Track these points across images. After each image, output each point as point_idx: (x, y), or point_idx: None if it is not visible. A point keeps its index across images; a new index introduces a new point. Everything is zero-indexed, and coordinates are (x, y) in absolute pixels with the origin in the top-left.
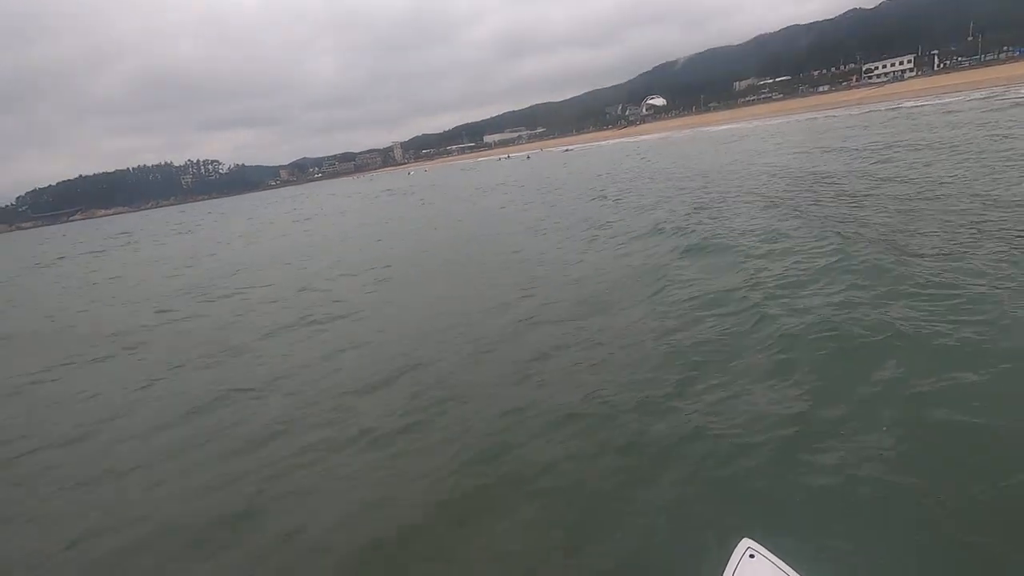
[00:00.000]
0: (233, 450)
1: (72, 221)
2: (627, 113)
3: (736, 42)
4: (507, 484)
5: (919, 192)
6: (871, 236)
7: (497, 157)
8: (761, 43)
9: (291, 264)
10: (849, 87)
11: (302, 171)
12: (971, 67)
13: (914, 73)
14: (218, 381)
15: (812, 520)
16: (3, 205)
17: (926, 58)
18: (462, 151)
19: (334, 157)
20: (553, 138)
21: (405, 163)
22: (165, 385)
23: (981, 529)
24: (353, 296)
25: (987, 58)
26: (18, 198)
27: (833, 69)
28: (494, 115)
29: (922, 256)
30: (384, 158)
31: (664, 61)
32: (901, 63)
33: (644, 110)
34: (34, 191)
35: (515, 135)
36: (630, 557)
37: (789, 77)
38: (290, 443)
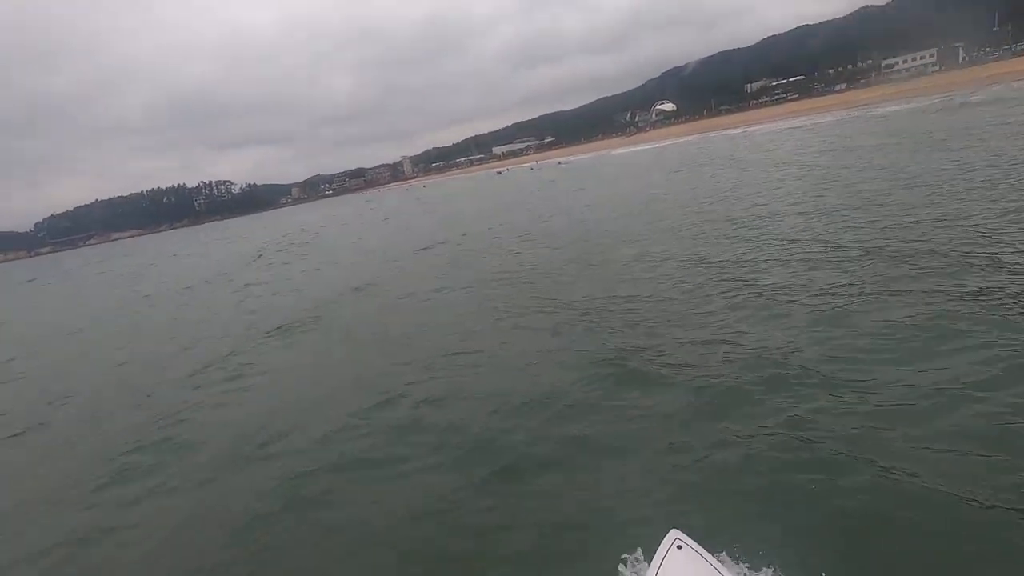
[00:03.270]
0: None
1: (88, 245)
2: (636, 119)
3: (746, 44)
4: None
5: None
6: None
7: (497, 170)
8: (771, 44)
9: None
10: (869, 84)
11: (314, 188)
12: (1000, 59)
13: (937, 67)
14: None
15: (735, 512)
16: (23, 231)
17: (950, 51)
18: (470, 163)
19: (345, 173)
20: (561, 147)
21: (415, 177)
22: None
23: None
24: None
25: (1020, 47)
26: (36, 224)
27: (849, 66)
28: (504, 126)
29: None
30: (394, 173)
31: (673, 66)
32: (923, 57)
33: (654, 116)
34: (51, 217)
35: (523, 145)
36: (560, 544)
37: (803, 77)
38: None
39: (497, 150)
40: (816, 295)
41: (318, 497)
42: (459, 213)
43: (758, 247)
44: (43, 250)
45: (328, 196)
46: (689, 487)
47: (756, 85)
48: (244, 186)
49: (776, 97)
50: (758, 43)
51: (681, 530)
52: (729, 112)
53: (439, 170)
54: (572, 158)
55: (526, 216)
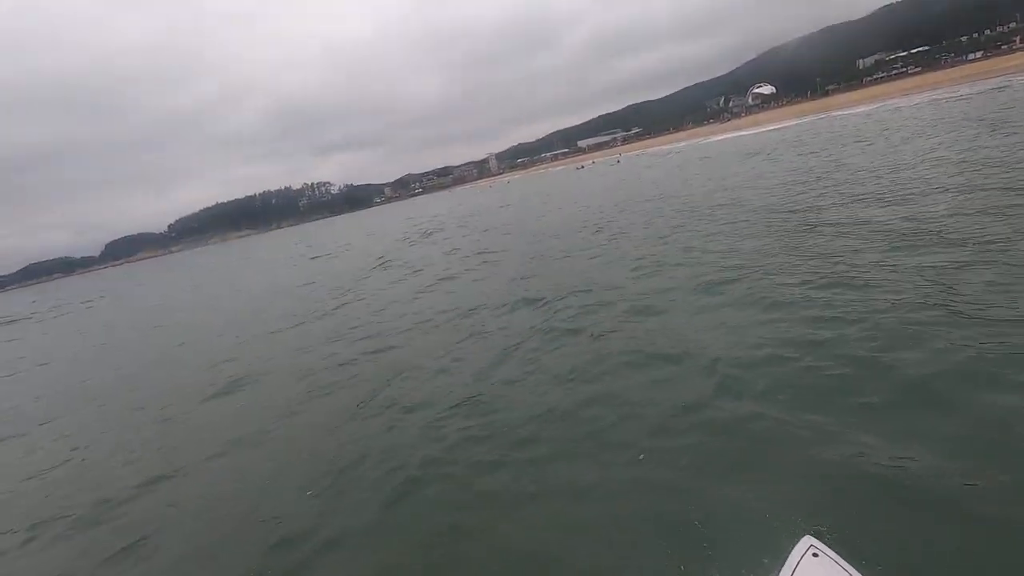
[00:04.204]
0: None
1: (211, 244)
2: (731, 105)
3: (857, 16)
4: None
5: None
6: None
7: (578, 165)
8: (887, 15)
9: None
10: (1012, 50)
11: (404, 187)
12: None
13: None
14: None
15: (877, 520)
16: (159, 232)
17: None
18: (555, 158)
19: (433, 172)
20: (648, 138)
21: (500, 173)
22: None
23: None
24: None
25: None
26: (169, 226)
27: (987, 31)
28: (589, 119)
29: None
30: (480, 170)
31: (772, 46)
32: None
33: (750, 100)
34: (180, 219)
35: (609, 138)
36: (688, 551)
37: (927, 47)
38: None
39: (582, 143)
40: None
41: None
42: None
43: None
44: (174, 248)
45: (418, 194)
46: (822, 490)
47: (869, 60)
48: (342, 187)
49: (894, 72)
50: (871, 14)
51: (816, 537)
52: (837, 92)
53: (523, 166)
54: (663, 148)
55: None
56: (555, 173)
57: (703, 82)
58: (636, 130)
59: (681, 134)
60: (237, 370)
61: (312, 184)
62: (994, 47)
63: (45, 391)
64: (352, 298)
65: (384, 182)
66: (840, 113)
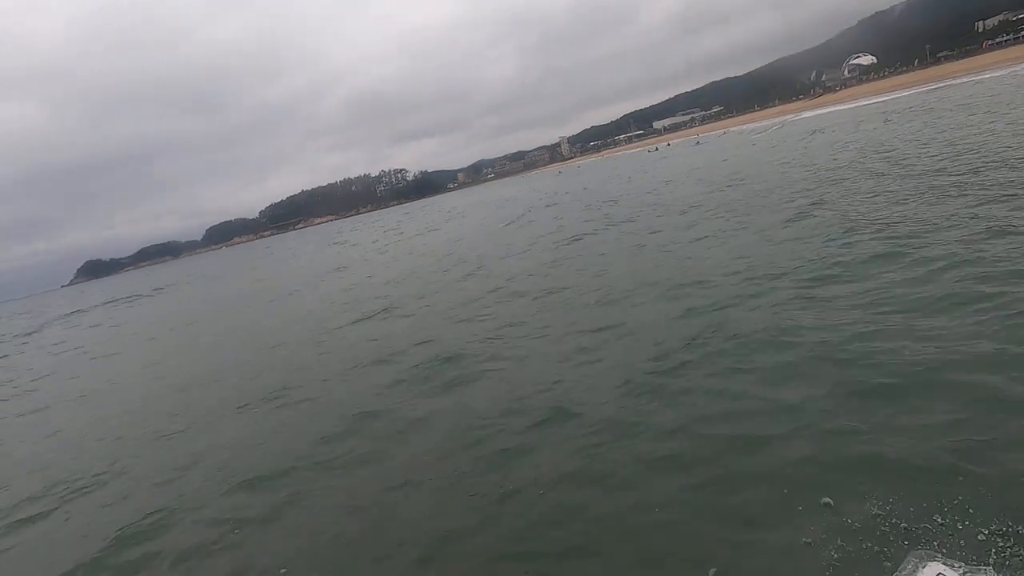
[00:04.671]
0: None
1: (297, 229)
2: (823, 79)
3: None
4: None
5: None
6: None
7: (650, 147)
8: None
9: None
10: None
11: (477, 173)
12: None
13: None
14: None
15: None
16: (251, 218)
17: None
18: (628, 140)
19: (506, 157)
20: (731, 117)
21: (572, 158)
22: None
23: None
24: None
25: None
26: (260, 212)
27: None
28: (666, 99)
29: None
30: (552, 154)
31: (873, 12)
32: None
33: (846, 72)
34: (270, 206)
35: (687, 118)
36: (799, 559)
37: None
38: None
39: (658, 124)
40: None
41: None
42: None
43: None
44: (265, 233)
45: (490, 179)
46: (934, 504)
47: (992, 22)
48: (417, 173)
49: (1023, 34)
50: None
51: (926, 551)
52: (951, 59)
53: (596, 149)
54: (747, 126)
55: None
56: (627, 156)
57: (792, 55)
58: (717, 109)
59: (768, 111)
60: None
61: (389, 171)
62: None
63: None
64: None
65: (457, 168)
66: (964, 80)
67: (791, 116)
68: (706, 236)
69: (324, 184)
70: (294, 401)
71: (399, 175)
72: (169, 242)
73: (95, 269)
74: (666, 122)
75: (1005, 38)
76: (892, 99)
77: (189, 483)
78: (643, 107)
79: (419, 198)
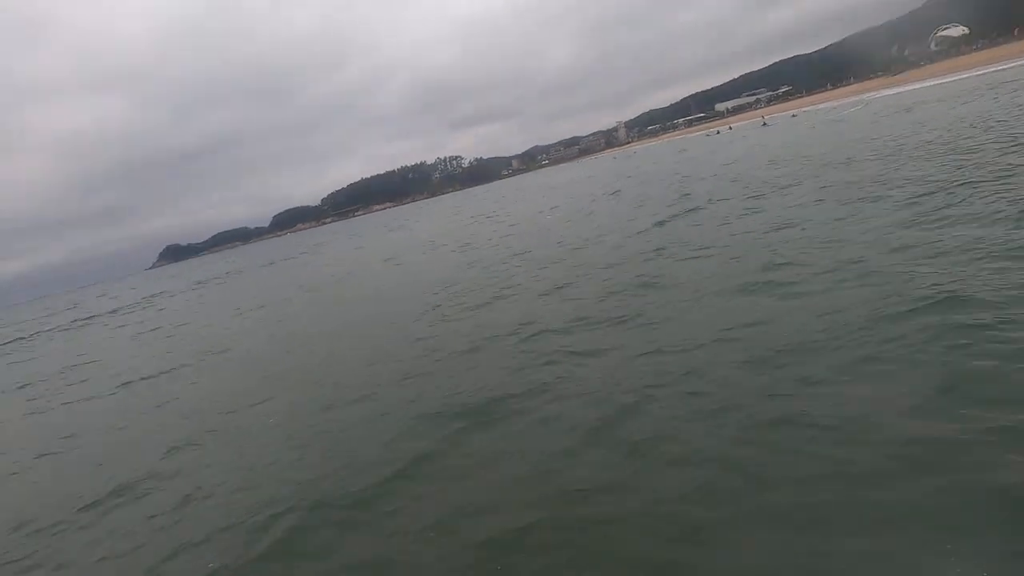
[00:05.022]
0: None
1: (356, 216)
2: (906, 53)
3: None
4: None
5: None
6: None
7: (709, 131)
8: None
9: None
10: None
11: (532, 159)
12: None
13: None
14: None
15: None
16: (314, 205)
17: None
18: (689, 124)
19: (560, 143)
20: (799, 97)
21: (628, 142)
22: None
23: None
24: None
25: None
26: (323, 199)
27: None
28: (729, 79)
29: None
30: (608, 139)
31: None
32: None
33: (933, 45)
34: (333, 193)
35: (752, 99)
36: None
37: None
38: None
39: (720, 107)
40: None
41: None
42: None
43: None
44: (326, 220)
45: (545, 166)
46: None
47: None
48: (472, 160)
49: None
50: None
51: None
52: None
53: (654, 134)
54: (821, 106)
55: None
56: (686, 140)
57: (868, 29)
58: (784, 89)
59: (842, 90)
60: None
61: (444, 158)
62: None
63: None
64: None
65: (512, 154)
66: None
67: (871, 94)
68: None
69: (382, 172)
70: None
71: (454, 162)
72: (240, 228)
73: (175, 253)
74: (729, 104)
75: None
76: (991, 72)
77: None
78: (705, 89)
79: (473, 185)
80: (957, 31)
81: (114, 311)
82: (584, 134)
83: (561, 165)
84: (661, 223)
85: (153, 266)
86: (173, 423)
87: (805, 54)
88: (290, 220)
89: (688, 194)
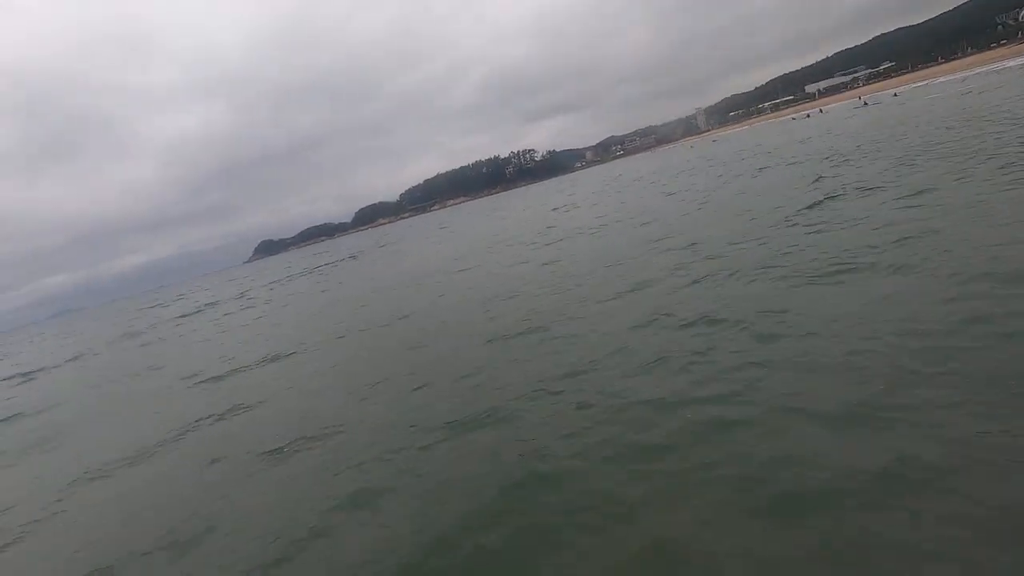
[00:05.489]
0: None
1: (432, 211)
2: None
3: None
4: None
5: None
6: None
7: (794, 115)
8: None
9: None
10: None
11: (606, 150)
12: None
13: None
14: None
15: None
16: (392, 201)
17: None
18: (775, 108)
19: (635, 133)
20: (904, 73)
21: (708, 130)
22: None
23: None
24: None
25: None
26: (401, 195)
27: None
28: (821, 58)
29: None
30: (687, 127)
31: None
32: None
33: None
34: (410, 188)
35: (847, 78)
36: None
37: None
38: None
39: (811, 88)
40: None
41: None
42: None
43: None
44: (405, 215)
45: (620, 156)
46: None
47: None
48: (545, 153)
49: None
50: None
51: None
52: None
53: (737, 120)
54: (939, 80)
55: None
56: (762, 127)
57: None
58: (887, 65)
59: (956, 63)
60: None
61: (518, 152)
62: None
63: None
64: None
65: (585, 146)
66: None
67: (993, 65)
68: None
69: (457, 167)
70: None
71: (527, 155)
72: (325, 223)
73: (268, 248)
74: (821, 84)
75: None
76: None
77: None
78: (793, 70)
79: (547, 178)
80: None
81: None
82: (660, 124)
83: (637, 155)
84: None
85: (249, 260)
86: None
87: (911, 26)
88: (371, 215)
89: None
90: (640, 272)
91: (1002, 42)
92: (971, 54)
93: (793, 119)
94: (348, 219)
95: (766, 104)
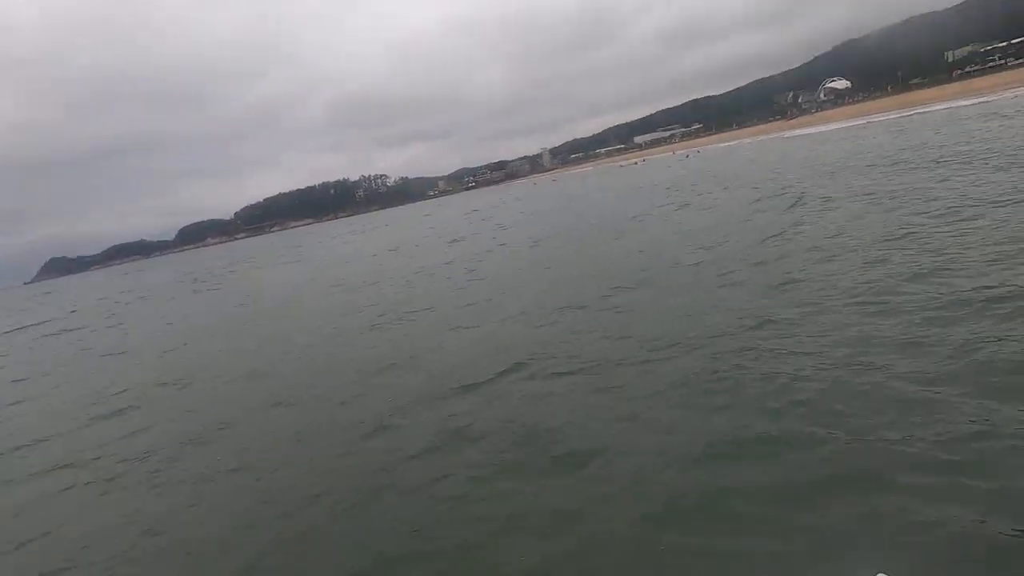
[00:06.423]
0: None
1: (272, 232)
2: (800, 101)
3: (945, 5)
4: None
5: None
6: None
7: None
8: (980, 3)
9: None
10: None
11: (458, 181)
12: None
13: None
14: None
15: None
16: (226, 219)
17: None
18: (610, 154)
19: (487, 166)
20: (709, 134)
21: (553, 168)
22: None
23: None
24: None
25: None
26: (235, 213)
27: None
28: (648, 114)
29: None
30: (533, 165)
31: (848, 39)
32: None
33: (822, 95)
34: (246, 207)
35: (667, 134)
36: None
37: None
38: None
39: (639, 139)
40: None
41: None
42: None
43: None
44: (239, 235)
45: (471, 188)
46: (895, 528)
47: (961, 52)
48: (397, 179)
49: (990, 65)
50: (963, 2)
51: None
52: (921, 87)
53: (577, 162)
54: (725, 145)
55: None
56: (594, 172)
57: (770, 76)
58: (697, 126)
59: (746, 130)
60: None
61: (369, 176)
62: None
63: None
64: None
65: (439, 175)
66: (943, 107)
67: (772, 135)
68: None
69: (303, 187)
70: None
71: (379, 180)
72: (139, 241)
73: (61, 266)
74: (647, 137)
75: (973, 68)
76: (870, 121)
77: None
78: (624, 122)
79: (397, 204)
80: (841, 84)
81: None
82: (510, 158)
83: (489, 188)
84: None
85: (33, 280)
86: None
87: (714, 95)
88: (199, 234)
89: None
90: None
91: (776, 118)
92: (756, 124)
93: (621, 166)
94: (170, 236)
95: (602, 150)
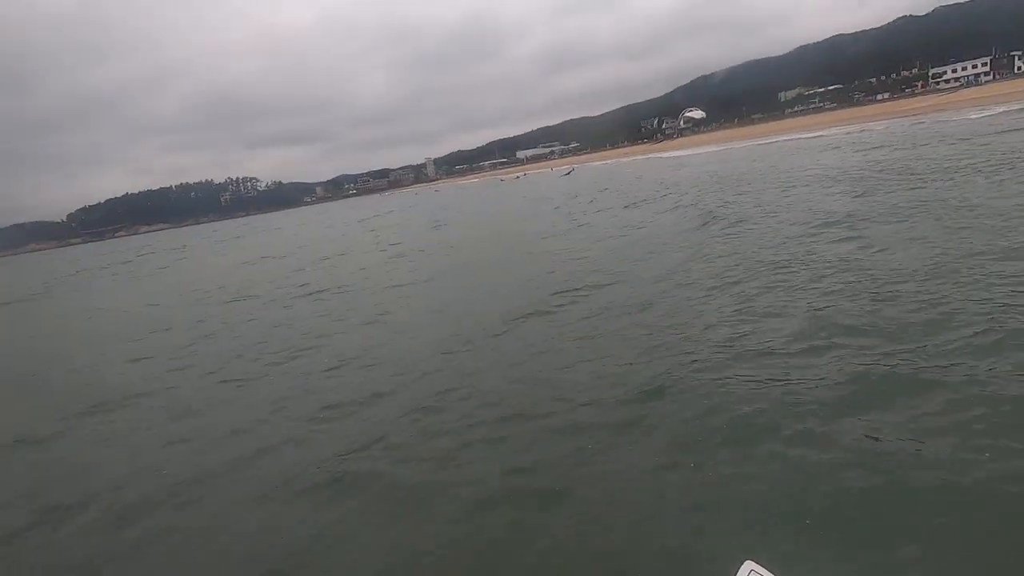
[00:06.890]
0: None
1: (117, 237)
2: (664, 127)
3: (779, 53)
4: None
5: None
6: None
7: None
8: (805, 53)
9: None
10: (914, 94)
11: (338, 188)
12: None
13: (990, 77)
14: None
15: (815, 543)
16: (56, 222)
17: (1004, 60)
18: (493, 167)
19: (369, 174)
20: (587, 153)
21: (437, 179)
22: None
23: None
24: None
25: None
26: (68, 215)
27: (893, 75)
28: (529, 130)
29: None
30: (417, 174)
31: (703, 73)
32: (975, 66)
33: (682, 123)
34: (84, 208)
35: (548, 150)
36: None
37: (841, 86)
38: None
39: (521, 154)
40: None
41: None
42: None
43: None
44: (74, 241)
45: (352, 196)
46: (762, 512)
47: (791, 93)
48: (270, 183)
49: (813, 106)
50: (792, 52)
51: (757, 562)
52: (761, 121)
53: (461, 173)
54: (602, 163)
55: None
56: (484, 185)
57: (639, 103)
58: (575, 144)
59: (619, 150)
60: None
61: (237, 179)
62: (899, 90)
63: None
64: None
65: (316, 181)
66: (788, 138)
67: (643, 156)
68: None
69: (156, 188)
70: None
71: (249, 184)
72: None
73: None
74: (529, 152)
75: (799, 108)
76: (729, 148)
77: None
78: (507, 136)
79: (272, 210)
80: (698, 114)
81: None
82: (394, 167)
83: (372, 196)
84: None
85: None
86: None
87: (591, 116)
88: (21, 238)
89: None
90: None
91: (643, 141)
92: (627, 145)
93: (502, 180)
94: None
95: (486, 163)
